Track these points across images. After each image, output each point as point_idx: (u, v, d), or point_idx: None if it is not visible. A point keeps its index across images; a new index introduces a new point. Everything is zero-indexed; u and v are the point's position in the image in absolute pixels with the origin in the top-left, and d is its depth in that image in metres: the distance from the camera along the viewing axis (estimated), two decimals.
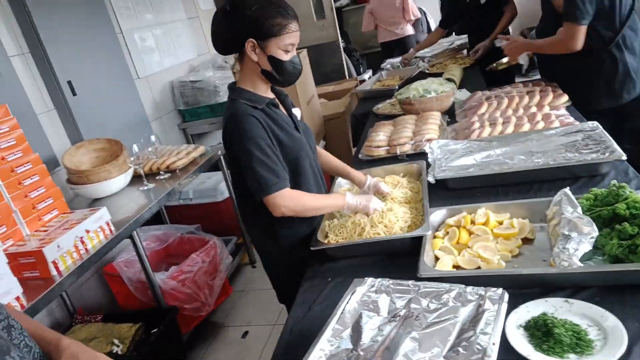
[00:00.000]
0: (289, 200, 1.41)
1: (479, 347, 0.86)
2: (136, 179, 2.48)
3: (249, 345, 2.46)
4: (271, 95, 1.56)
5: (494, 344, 0.86)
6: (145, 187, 2.41)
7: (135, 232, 2.07)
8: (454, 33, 4.58)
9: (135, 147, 2.35)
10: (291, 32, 1.41)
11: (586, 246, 1.07)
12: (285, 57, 1.43)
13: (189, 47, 4.14)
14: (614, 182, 1.22)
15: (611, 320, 0.92)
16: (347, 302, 1.07)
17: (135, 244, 2.08)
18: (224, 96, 3.68)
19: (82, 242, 1.81)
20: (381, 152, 2.05)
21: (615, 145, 1.52)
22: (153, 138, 2.47)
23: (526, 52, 2.82)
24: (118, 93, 3.16)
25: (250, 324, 2.61)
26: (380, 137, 2.12)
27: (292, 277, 1.51)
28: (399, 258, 1.31)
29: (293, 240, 1.55)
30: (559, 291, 1.03)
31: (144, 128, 3.32)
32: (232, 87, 1.52)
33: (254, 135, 1.40)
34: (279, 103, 1.58)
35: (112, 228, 1.94)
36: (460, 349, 0.87)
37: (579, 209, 1.16)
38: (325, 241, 1.41)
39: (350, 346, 0.96)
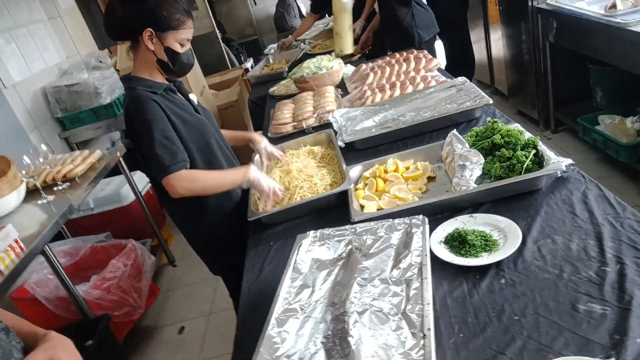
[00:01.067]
0: (186, 181, 1.45)
1: (415, 261, 1.05)
2: (32, 194, 2.31)
3: (188, 339, 2.47)
4: (167, 82, 1.61)
5: (426, 255, 1.05)
6: (45, 201, 2.25)
7: (47, 247, 1.95)
8: (327, 15, 4.83)
9: (25, 159, 2.18)
10: (188, 28, 1.51)
11: (477, 171, 1.32)
12: (181, 50, 1.52)
13: (55, 49, 3.83)
14: (489, 119, 1.50)
15: (506, 222, 1.17)
16: (297, 254, 1.19)
17: (50, 259, 1.96)
18: (107, 97, 3.50)
19: None
20: (289, 128, 2.18)
21: (483, 93, 1.83)
22: (44, 147, 2.31)
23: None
24: None
25: (184, 319, 2.60)
26: (285, 115, 2.25)
27: (223, 248, 1.62)
28: (328, 214, 1.46)
29: (221, 212, 1.65)
30: (464, 210, 1.27)
31: (22, 141, 3.04)
32: (128, 77, 1.55)
33: (155, 117, 1.45)
34: (175, 89, 1.63)
35: (22, 245, 1.82)
36: (401, 266, 1.05)
37: (467, 145, 1.42)
38: (259, 210, 1.51)
39: (309, 288, 1.09)
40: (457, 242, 1.15)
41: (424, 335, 0.86)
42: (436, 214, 1.28)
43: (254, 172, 1.52)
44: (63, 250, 2.47)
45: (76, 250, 2.49)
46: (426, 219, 1.17)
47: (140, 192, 2.92)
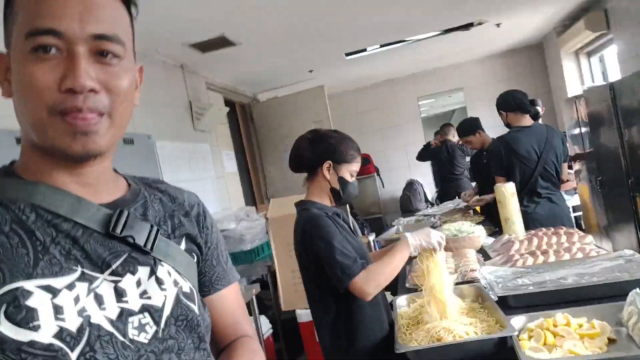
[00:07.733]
0: (369, 278, 1.54)
1: None
2: None
3: None
4: (335, 208, 1.78)
5: None
6: None
7: None
8: (456, 197, 5.02)
9: None
10: (357, 162, 1.76)
11: None
12: (350, 180, 1.73)
13: (214, 201, 4.45)
14: None
15: None
16: None
17: None
18: (248, 244, 3.82)
19: None
20: None
21: None
22: None
23: None
24: None
25: None
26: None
27: None
28: None
29: (371, 341, 1.61)
30: None
31: None
32: (302, 201, 1.76)
33: (333, 230, 1.60)
34: (341, 214, 1.78)
35: None
36: None
37: None
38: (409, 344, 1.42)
39: None
40: None
41: None
42: None
43: (411, 237, 1.63)
44: None
45: None
46: None
47: (262, 335, 2.92)
